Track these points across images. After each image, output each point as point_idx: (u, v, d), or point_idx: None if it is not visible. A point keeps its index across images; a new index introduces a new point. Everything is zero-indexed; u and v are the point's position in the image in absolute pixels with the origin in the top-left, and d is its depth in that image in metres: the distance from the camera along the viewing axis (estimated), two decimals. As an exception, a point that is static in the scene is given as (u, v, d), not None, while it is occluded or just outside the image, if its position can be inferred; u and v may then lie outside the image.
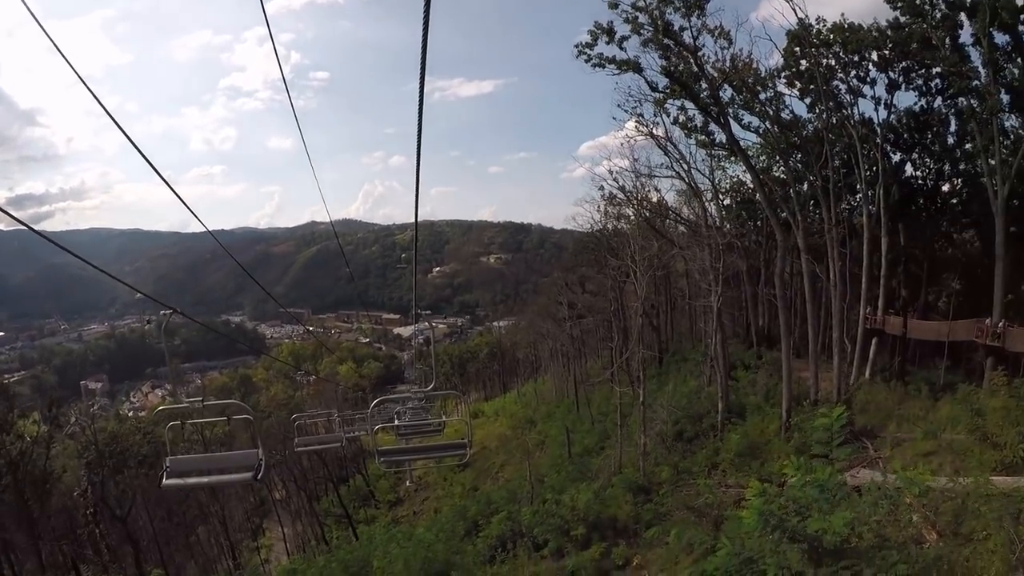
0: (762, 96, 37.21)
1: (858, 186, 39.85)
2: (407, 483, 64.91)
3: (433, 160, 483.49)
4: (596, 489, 30.76)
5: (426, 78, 4.85)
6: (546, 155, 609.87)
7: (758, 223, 53.64)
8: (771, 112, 37.57)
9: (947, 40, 34.17)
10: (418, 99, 5.15)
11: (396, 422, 23.02)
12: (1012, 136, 34.61)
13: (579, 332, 70.64)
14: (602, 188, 47.30)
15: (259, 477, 11.08)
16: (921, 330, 38.02)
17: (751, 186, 47.75)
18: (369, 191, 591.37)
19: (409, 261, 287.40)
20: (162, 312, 10.06)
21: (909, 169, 42.21)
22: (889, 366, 38.87)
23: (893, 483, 12.27)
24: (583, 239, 70.25)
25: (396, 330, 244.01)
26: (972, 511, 12.46)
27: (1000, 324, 30.91)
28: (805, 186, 42.13)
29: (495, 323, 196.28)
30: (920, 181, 42.57)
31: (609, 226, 56.11)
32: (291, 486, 62.99)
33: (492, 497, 38.28)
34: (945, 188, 42.96)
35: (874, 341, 38.60)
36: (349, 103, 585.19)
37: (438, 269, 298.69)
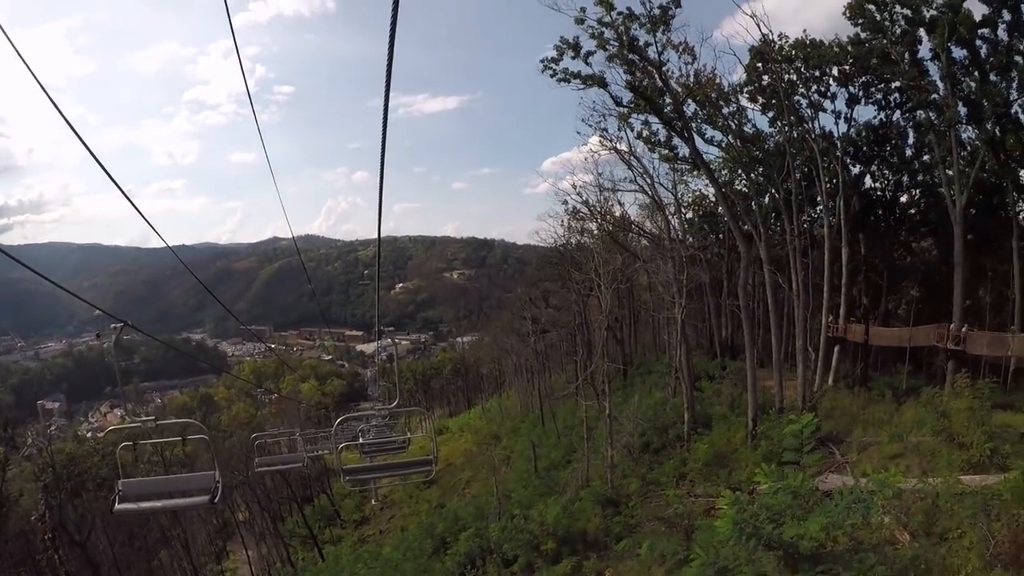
0: (725, 111, 37.71)
1: (819, 198, 40.94)
2: (373, 501, 63.78)
3: (397, 176, 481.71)
4: (564, 503, 30.61)
5: (391, 94, 4.79)
6: (510, 171, 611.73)
7: (720, 235, 54.42)
8: (734, 126, 38.07)
9: (906, 55, 35.34)
10: (382, 114, 5.07)
11: (360, 440, 22.74)
12: (969, 147, 35.90)
13: (543, 347, 70.61)
14: (566, 203, 47.15)
15: (216, 500, 10.65)
16: (883, 337, 38.86)
17: (713, 199, 48.56)
18: (332, 207, 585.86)
19: (372, 277, 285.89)
20: (112, 326, 9.56)
21: (868, 181, 43.56)
22: (852, 373, 39.57)
23: (865, 486, 12.32)
24: (547, 254, 69.94)
25: (359, 347, 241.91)
26: (944, 510, 12.55)
27: (963, 329, 31.88)
28: (767, 199, 42.82)
29: (459, 339, 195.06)
30: (879, 192, 43.90)
31: (572, 240, 56.16)
32: (254, 507, 61.71)
33: (459, 514, 37.96)
34: (904, 199, 44.29)
35: (837, 349, 39.26)
36: (313, 118, 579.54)
37: (401, 285, 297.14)
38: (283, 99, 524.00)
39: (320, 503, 68.97)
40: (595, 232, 50.87)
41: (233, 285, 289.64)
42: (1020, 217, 37.13)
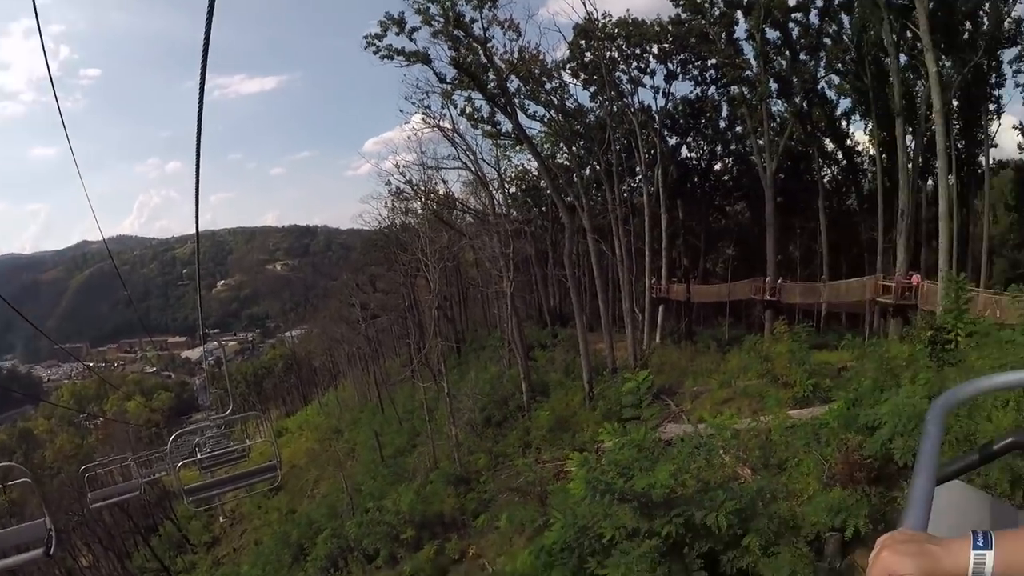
0: (548, 86, 38.51)
1: (638, 168, 43.09)
2: (221, 519, 60.61)
3: (211, 164, 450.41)
4: (416, 488, 30.35)
5: (206, 75, 4.27)
6: (330, 153, 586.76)
7: (544, 208, 55.64)
8: (556, 101, 38.96)
9: (723, 35, 38.48)
10: (198, 97, 4.56)
11: (198, 455, 21.31)
12: (778, 119, 40.02)
13: (375, 332, 69.49)
14: (389, 183, 46.49)
15: (52, 552, 8.94)
16: (703, 293, 41.59)
17: (536, 173, 49.36)
18: (144, 202, 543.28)
19: (191, 276, 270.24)
20: None
21: (685, 151, 47.12)
22: (677, 329, 41.93)
23: (704, 431, 12.99)
24: (371, 237, 68.88)
25: (184, 354, 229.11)
26: (779, 443, 13.38)
27: (777, 281, 35.05)
28: (588, 170, 44.45)
29: (287, 333, 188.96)
30: (695, 161, 47.69)
31: (397, 222, 55.35)
32: (97, 548, 56.21)
33: (312, 516, 36.96)
34: (718, 167, 48.67)
35: (661, 308, 41.48)
36: (122, 104, 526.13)
37: (223, 282, 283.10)
38: (90, 83, 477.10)
39: (166, 530, 64.16)
40: (420, 212, 50.44)
41: (41, 300, 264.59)
42: (824, 180, 42.41)
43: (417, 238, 42.08)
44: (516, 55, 33.92)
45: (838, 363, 22.13)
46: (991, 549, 1.01)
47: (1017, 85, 37.18)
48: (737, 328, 39.86)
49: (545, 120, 39.72)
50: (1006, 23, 35.23)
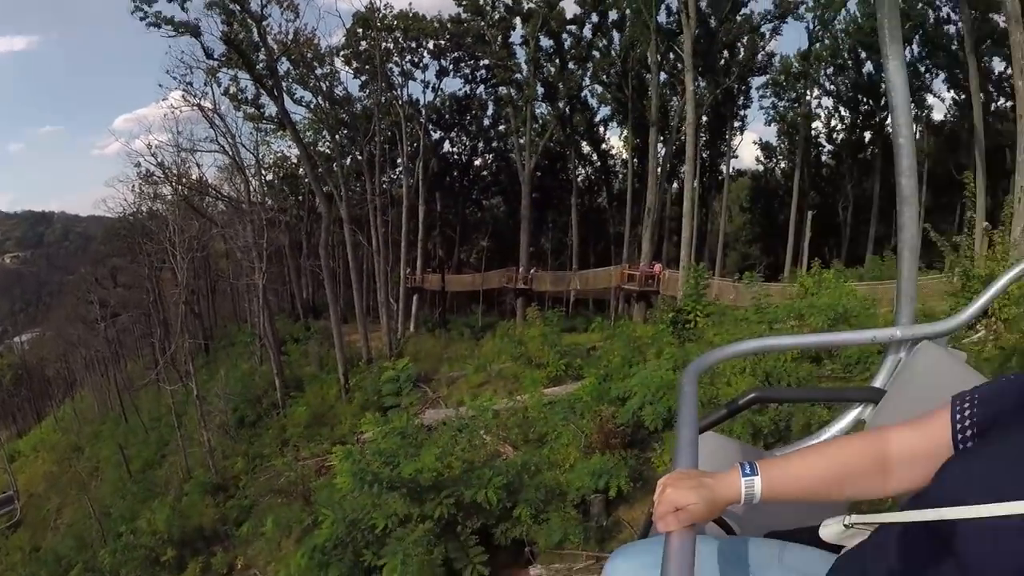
0: (319, 71, 37.84)
1: (400, 160, 44.02)
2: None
3: None
4: (171, 503, 28.44)
5: None
6: (76, 129, 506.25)
7: (300, 197, 54.55)
8: (325, 88, 38.34)
9: (500, 38, 40.94)
10: None
11: None
12: (541, 121, 43.22)
13: (115, 333, 63.78)
14: (139, 165, 42.74)
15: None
16: (457, 283, 43.52)
17: (296, 160, 48.59)
18: None
19: None
20: None
21: (447, 146, 49.14)
22: (432, 318, 43.02)
23: (464, 414, 13.47)
24: (114, 225, 63.19)
25: None
26: (538, 419, 14.17)
27: (530, 271, 37.89)
28: (349, 160, 44.66)
29: (16, 339, 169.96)
30: (456, 156, 50.12)
31: (144, 208, 51.29)
32: None
33: (60, 552, 33.17)
34: (478, 162, 51.67)
35: (416, 298, 42.55)
36: None
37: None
38: None
39: None
40: (169, 197, 47.10)
41: None
42: (579, 179, 47.39)
43: (165, 226, 39.19)
44: (291, 36, 33.12)
45: (588, 344, 23.58)
46: (757, 475, 1.20)
47: (761, 108, 45.85)
48: (490, 315, 41.78)
49: (312, 106, 39.01)
50: (759, 55, 41.65)
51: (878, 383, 2.15)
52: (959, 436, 1.17)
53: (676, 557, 1.03)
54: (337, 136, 41.21)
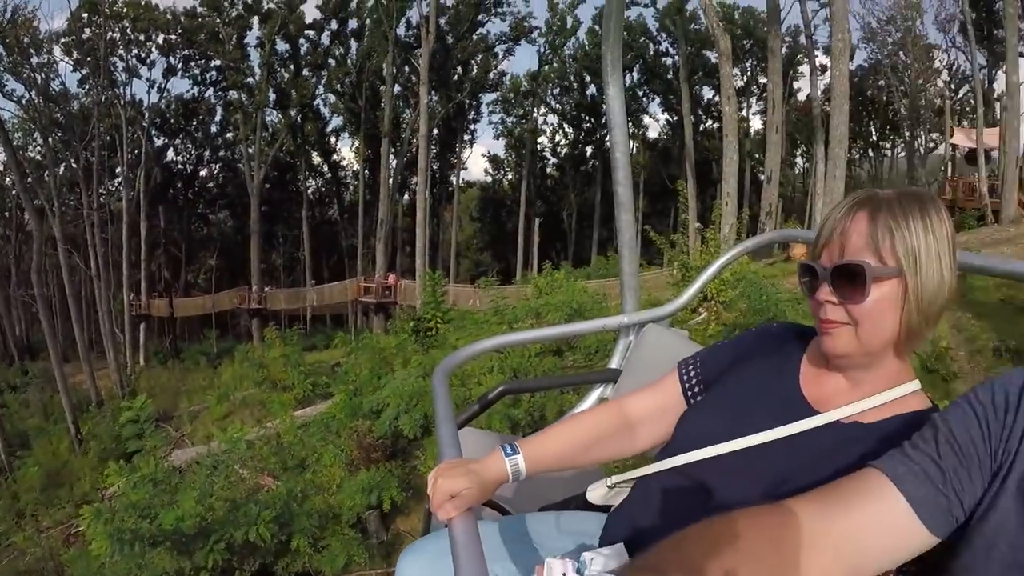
0: (35, 60, 33.90)
1: (119, 169, 39.48)
2: None
3: None
4: None
5: None
6: None
7: (7, 213, 47.49)
8: (40, 80, 34.14)
9: (235, 38, 38.98)
10: None
11: None
12: (271, 129, 41.98)
13: None
14: None
15: None
16: (187, 307, 40.85)
17: (2, 168, 42.60)
18: None
19: None
20: None
21: (171, 154, 45.66)
22: (163, 348, 39.87)
23: (218, 449, 12.95)
24: None
25: None
26: (295, 444, 13.92)
27: (264, 289, 36.48)
28: (63, 168, 40.02)
29: None
30: (181, 166, 46.67)
31: None
32: None
33: None
34: (204, 173, 48.27)
35: (143, 326, 39.28)
36: None
37: None
38: None
39: None
40: None
41: None
42: (309, 191, 46.09)
43: None
44: (7, 16, 29.13)
45: (332, 360, 23.44)
46: (519, 453, 1.35)
47: (491, 122, 48.18)
48: (226, 340, 39.45)
49: (24, 102, 34.57)
50: (491, 74, 43.86)
51: (614, 364, 2.50)
52: (688, 392, 1.42)
53: (463, 539, 1.10)
54: (50, 139, 36.49)
